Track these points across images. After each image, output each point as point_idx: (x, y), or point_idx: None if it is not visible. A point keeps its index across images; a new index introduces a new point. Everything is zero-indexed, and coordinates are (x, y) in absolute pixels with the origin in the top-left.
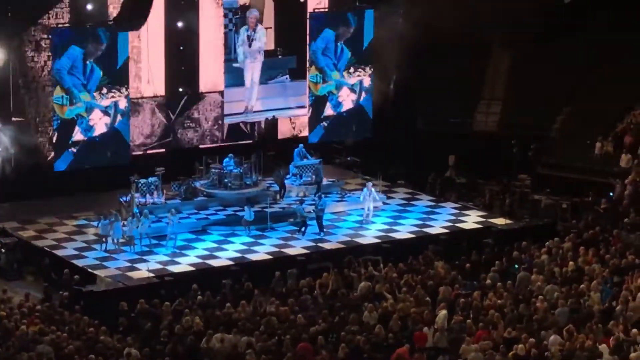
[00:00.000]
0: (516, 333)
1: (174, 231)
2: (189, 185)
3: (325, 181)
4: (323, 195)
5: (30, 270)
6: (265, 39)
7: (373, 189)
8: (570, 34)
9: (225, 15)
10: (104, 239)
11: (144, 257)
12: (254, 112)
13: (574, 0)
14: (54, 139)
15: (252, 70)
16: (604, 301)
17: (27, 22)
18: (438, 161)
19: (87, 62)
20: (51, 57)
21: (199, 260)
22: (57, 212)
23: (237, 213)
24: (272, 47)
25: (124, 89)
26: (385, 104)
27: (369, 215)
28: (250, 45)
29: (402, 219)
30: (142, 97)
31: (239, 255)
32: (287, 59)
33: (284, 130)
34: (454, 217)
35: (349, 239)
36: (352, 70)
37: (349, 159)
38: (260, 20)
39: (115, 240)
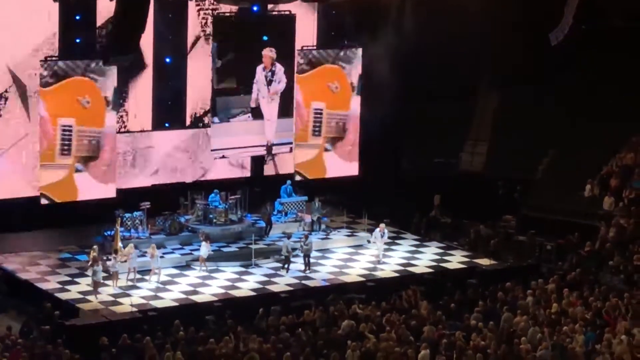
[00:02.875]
0: None
1: (157, 266)
2: (174, 220)
3: (309, 218)
4: (310, 234)
5: (13, 303)
6: (285, 79)
7: (386, 230)
8: (558, 76)
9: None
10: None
11: (127, 292)
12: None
13: (561, 42)
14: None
15: (269, 109)
16: (587, 344)
17: None
18: (423, 201)
19: None
20: None
21: (183, 296)
22: (42, 245)
23: (222, 249)
24: None
25: None
26: (371, 143)
27: (381, 256)
28: (269, 86)
29: (387, 257)
30: (129, 131)
31: (222, 291)
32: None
33: (269, 167)
34: (438, 257)
35: (333, 276)
36: None
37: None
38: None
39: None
